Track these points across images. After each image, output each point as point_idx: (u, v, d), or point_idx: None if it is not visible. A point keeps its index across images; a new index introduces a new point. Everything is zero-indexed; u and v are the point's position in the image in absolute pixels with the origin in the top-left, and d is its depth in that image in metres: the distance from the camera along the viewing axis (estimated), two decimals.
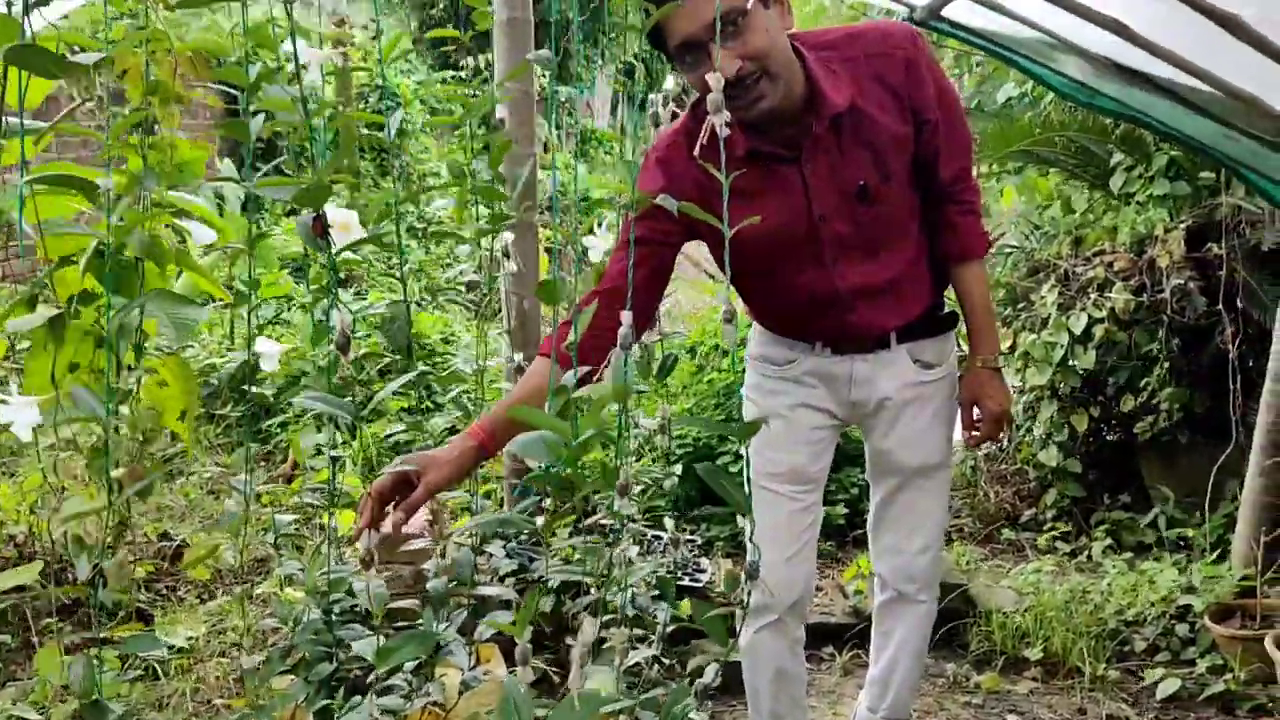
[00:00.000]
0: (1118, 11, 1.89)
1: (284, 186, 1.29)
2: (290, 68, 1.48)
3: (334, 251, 1.30)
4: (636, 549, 2.66)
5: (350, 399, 1.38)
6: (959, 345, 2.11)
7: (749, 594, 1.17)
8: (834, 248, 1.86)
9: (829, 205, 1.82)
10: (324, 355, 2.15)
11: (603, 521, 2.50)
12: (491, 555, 2.62)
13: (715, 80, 1.23)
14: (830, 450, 2.09)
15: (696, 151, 1.24)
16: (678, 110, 2.01)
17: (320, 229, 1.27)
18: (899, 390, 1.97)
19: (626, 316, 1.41)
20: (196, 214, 2.03)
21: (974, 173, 1.88)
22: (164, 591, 3.01)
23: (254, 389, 3.68)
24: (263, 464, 3.91)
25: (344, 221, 1.45)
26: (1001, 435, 2.07)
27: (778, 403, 2.03)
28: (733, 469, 3.63)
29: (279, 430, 4.08)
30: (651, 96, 1.79)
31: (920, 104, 1.78)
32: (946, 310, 2.03)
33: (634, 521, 2.03)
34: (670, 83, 2.12)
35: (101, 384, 2.05)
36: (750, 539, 1.30)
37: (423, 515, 2.85)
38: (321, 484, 3.71)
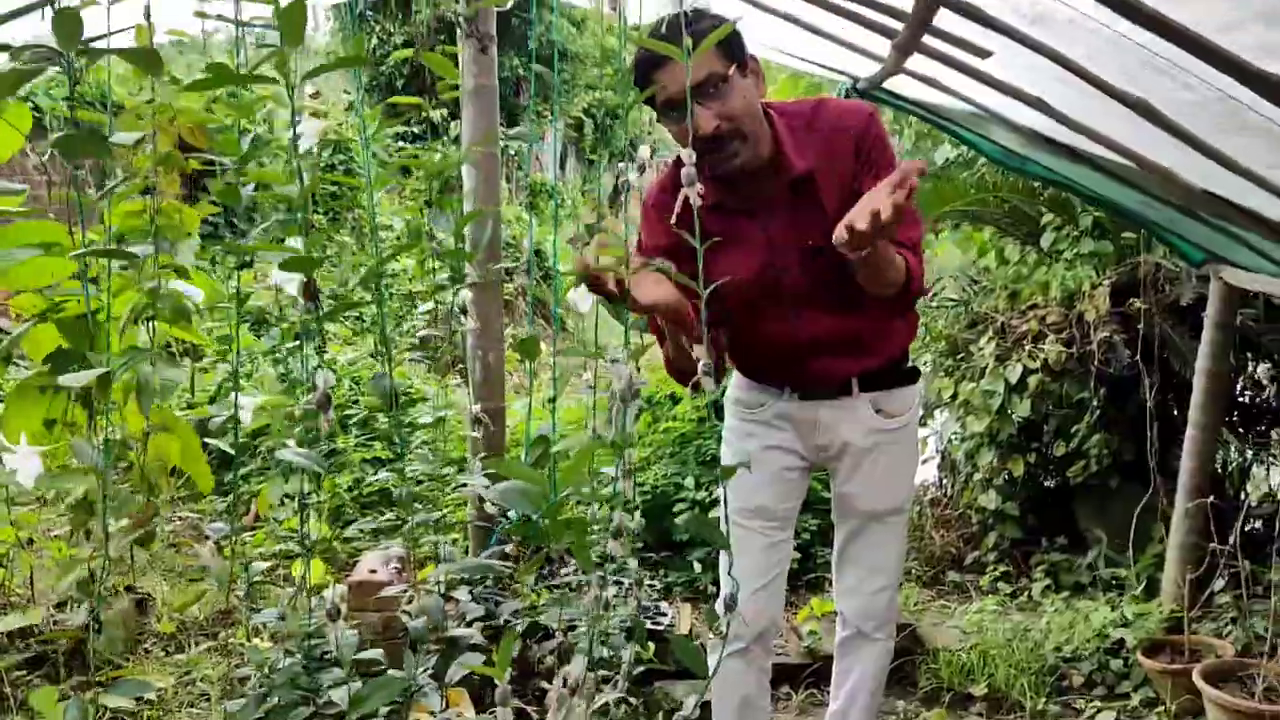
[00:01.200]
0: (1042, 91, 2.08)
1: (276, 253, 1.39)
2: (278, 134, 1.60)
3: (324, 315, 1.40)
4: (612, 591, 2.75)
5: (319, 452, 1.47)
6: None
7: (729, 624, 1.28)
8: (795, 300, 2.02)
9: (788, 259, 1.99)
10: (298, 408, 2.24)
11: (571, 572, 2.59)
12: (459, 601, 2.70)
13: (689, 155, 1.38)
14: (799, 491, 2.22)
15: (674, 218, 1.38)
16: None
17: (311, 294, 1.37)
18: (861, 436, 2.11)
19: (620, 370, 1.53)
20: (184, 273, 2.13)
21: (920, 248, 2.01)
22: (130, 644, 3.03)
23: (217, 442, 3.71)
24: (224, 516, 3.94)
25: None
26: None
27: (751, 444, 2.17)
28: (679, 522, 3.75)
29: (241, 482, 4.12)
30: (621, 165, 1.95)
31: (863, 178, 1.94)
32: (910, 364, 2.18)
33: (617, 566, 2.13)
34: (644, 151, 2.28)
35: (81, 437, 2.12)
36: (729, 572, 1.43)
37: (392, 562, 2.93)
38: (291, 531, 3.76)
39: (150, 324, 1.64)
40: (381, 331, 2.02)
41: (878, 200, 1.57)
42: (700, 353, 1.42)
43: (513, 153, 12.45)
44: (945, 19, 1.82)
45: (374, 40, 12.72)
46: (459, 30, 2.53)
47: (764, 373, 2.16)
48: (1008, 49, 1.91)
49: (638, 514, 3.69)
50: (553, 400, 1.51)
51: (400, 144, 11.74)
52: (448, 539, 3.84)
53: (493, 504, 2.48)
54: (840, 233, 1.60)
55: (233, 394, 1.85)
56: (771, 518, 2.17)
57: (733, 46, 1.82)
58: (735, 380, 2.24)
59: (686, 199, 1.39)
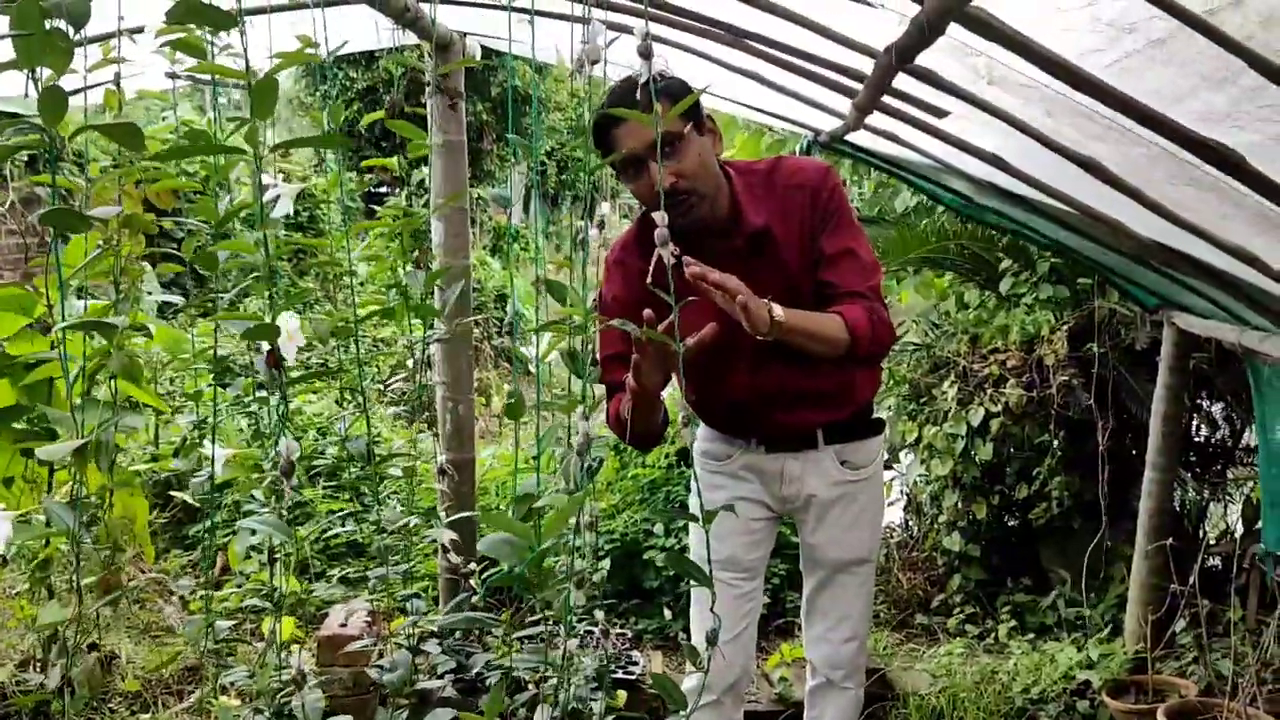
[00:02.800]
0: (998, 146, 2.15)
1: (238, 321, 1.41)
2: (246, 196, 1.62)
3: (287, 382, 1.41)
4: (577, 642, 2.75)
5: (285, 508, 1.47)
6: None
7: (709, 659, 1.29)
8: (756, 354, 2.04)
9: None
10: (264, 461, 2.24)
11: (538, 621, 2.60)
12: (429, 654, 2.69)
13: (661, 217, 1.41)
14: (768, 541, 2.24)
15: (649, 278, 1.42)
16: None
17: (274, 362, 1.38)
18: (826, 488, 2.14)
19: (582, 425, 1.56)
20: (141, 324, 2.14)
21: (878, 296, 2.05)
22: (94, 704, 2.98)
23: (182, 495, 3.68)
24: (190, 569, 3.89)
25: (288, 329, 1.56)
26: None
27: (719, 496, 2.19)
28: (659, 562, 3.75)
29: (205, 535, 4.07)
30: (581, 224, 1.98)
31: (820, 233, 1.99)
32: (874, 416, 2.22)
33: (583, 612, 2.14)
34: (605, 208, 2.32)
35: (39, 494, 2.10)
36: (711, 608, 1.44)
37: (362, 617, 2.90)
38: (260, 585, 3.72)
39: (111, 380, 1.65)
40: (361, 393, 2.03)
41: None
42: (680, 404, 1.45)
43: (476, 197, 12.48)
44: (904, 80, 1.88)
45: (335, 88, 12.74)
46: (427, 87, 2.57)
47: (729, 425, 2.19)
48: (966, 109, 1.98)
49: (605, 562, 3.71)
50: (537, 458, 1.52)
51: (368, 189, 11.76)
52: (417, 588, 3.82)
53: (458, 557, 2.47)
54: (735, 310, 1.72)
55: (199, 447, 1.85)
56: (740, 568, 2.19)
57: (690, 106, 1.88)
58: (702, 432, 2.26)
59: (659, 258, 1.42)
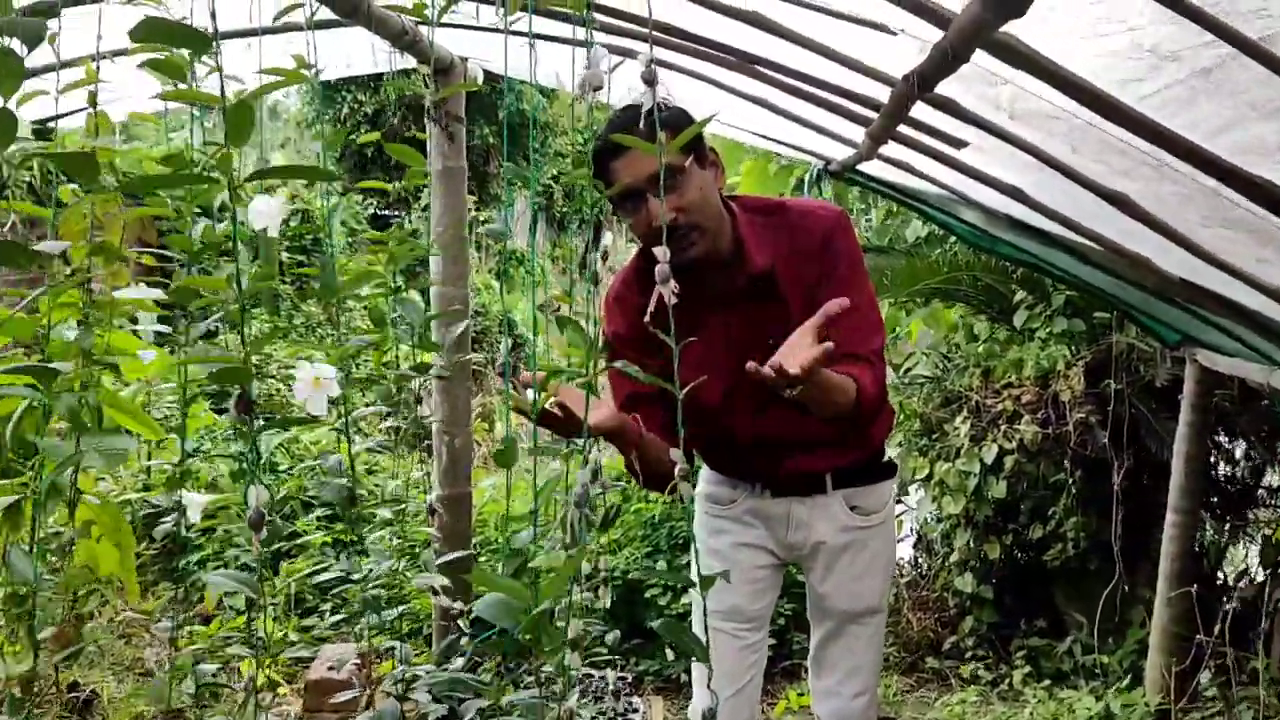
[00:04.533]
0: (1018, 177, 2.06)
1: (208, 363, 1.31)
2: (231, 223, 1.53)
3: (257, 430, 1.32)
4: (577, 694, 2.65)
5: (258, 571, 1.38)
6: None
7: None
8: (760, 397, 1.94)
9: (750, 356, 1.91)
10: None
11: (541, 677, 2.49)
12: (418, 702, 2.58)
13: (663, 253, 1.32)
14: (773, 590, 2.14)
15: (648, 316, 1.33)
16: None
17: (244, 407, 1.29)
18: (835, 534, 2.03)
19: (582, 474, 1.46)
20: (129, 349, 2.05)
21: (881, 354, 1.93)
22: None
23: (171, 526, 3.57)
24: (179, 604, 3.78)
25: (324, 376, 1.46)
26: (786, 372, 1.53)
27: (721, 541, 2.09)
28: (661, 601, 3.64)
29: (196, 568, 3.97)
30: (589, 256, 1.90)
31: (826, 283, 1.86)
32: (885, 459, 2.11)
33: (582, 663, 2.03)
34: (608, 238, 2.23)
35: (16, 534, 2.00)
36: (708, 684, 1.34)
37: (350, 662, 2.79)
38: (238, 630, 3.61)
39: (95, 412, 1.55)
40: (345, 431, 1.94)
41: (803, 345, 1.53)
42: (676, 456, 1.37)
43: (482, 220, 12.43)
44: (921, 109, 1.79)
45: (345, 110, 12.74)
46: (427, 114, 2.49)
47: (732, 468, 2.09)
48: (985, 139, 1.89)
49: (606, 600, 3.59)
50: (535, 512, 1.42)
51: (375, 212, 11.73)
52: (410, 627, 3.71)
53: (450, 600, 2.37)
54: (768, 373, 1.51)
55: (179, 485, 1.77)
56: (744, 619, 2.09)
57: (692, 138, 1.77)
58: (705, 474, 2.16)
59: (661, 296, 1.34)
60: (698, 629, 2.16)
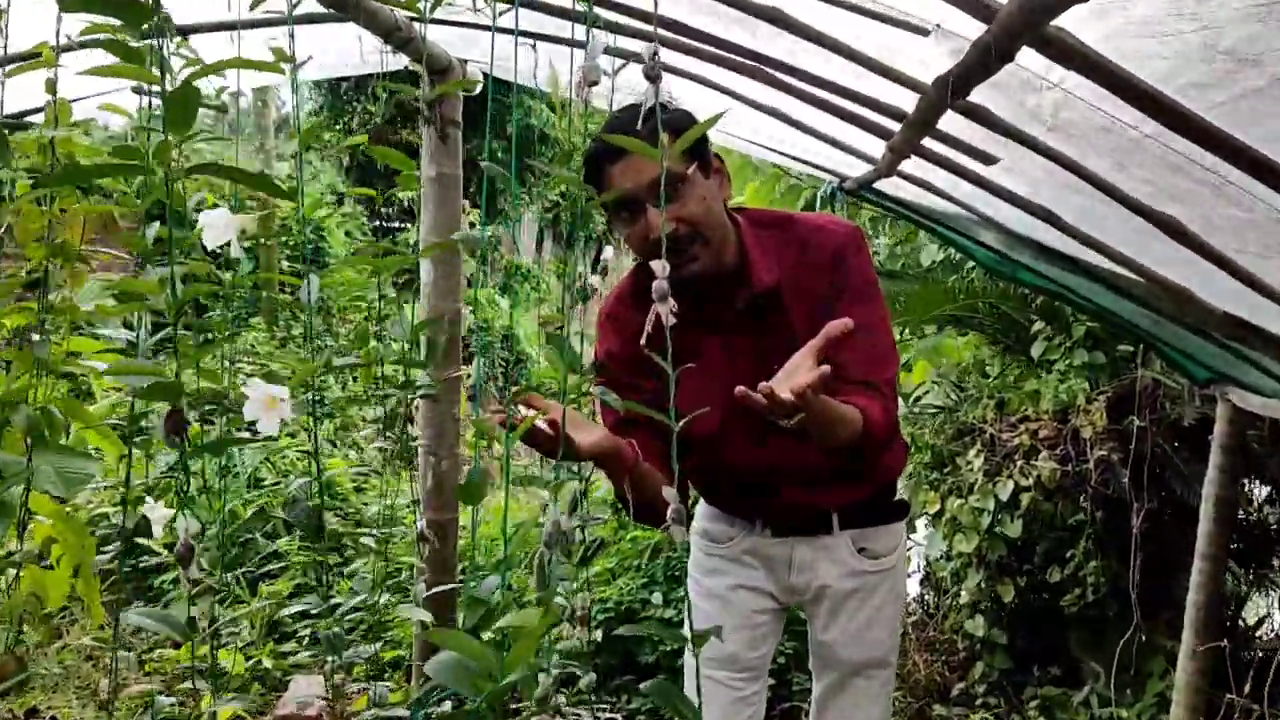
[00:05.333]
0: (1051, 200, 1.90)
1: (137, 375, 1.15)
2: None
3: (188, 451, 1.16)
4: None
5: (188, 618, 1.22)
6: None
7: None
8: (763, 426, 1.78)
9: (751, 383, 1.75)
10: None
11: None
12: None
13: (660, 267, 1.17)
14: (773, 636, 1.97)
15: (644, 338, 1.18)
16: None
17: (175, 427, 1.13)
18: (840, 579, 1.87)
19: (552, 510, 1.31)
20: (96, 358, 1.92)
21: (893, 384, 1.75)
22: None
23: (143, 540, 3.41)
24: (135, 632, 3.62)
25: (273, 395, 1.31)
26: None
27: (717, 583, 1.93)
28: (657, 636, 3.47)
29: (171, 586, 3.81)
30: (583, 269, 1.74)
31: (836, 304, 1.68)
32: (897, 498, 1.95)
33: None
34: (609, 252, 2.08)
35: None
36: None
37: (319, 699, 2.63)
38: (199, 662, 3.45)
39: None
40: (314, 456, 1.79)
41: (801, 369, 1.37)
42: (670, 495, 1.21)
43: (488, 234, 12.30)
44: (949, 121, 1.64)
45: (354, 119, 12.65)
46: (421, 116, 2.34)
47: (731, 503, 1.93)
48: (1017, 155, 1.73)
49: (597, 633, 3.42)
50: (504, 562, 1.27)
51: (377, 224, 11.62)
52: (393, 658, 3.54)
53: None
54: (758, 399, 1.34)
55: (139, 504, 1.63)
56: (741, 667, 1.92)
57: (696, 143, 1.60)
58: (701, 509, 2.00)
59: (658, 316, 1.18)
60: (690, 682, 2.00)
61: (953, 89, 1.27)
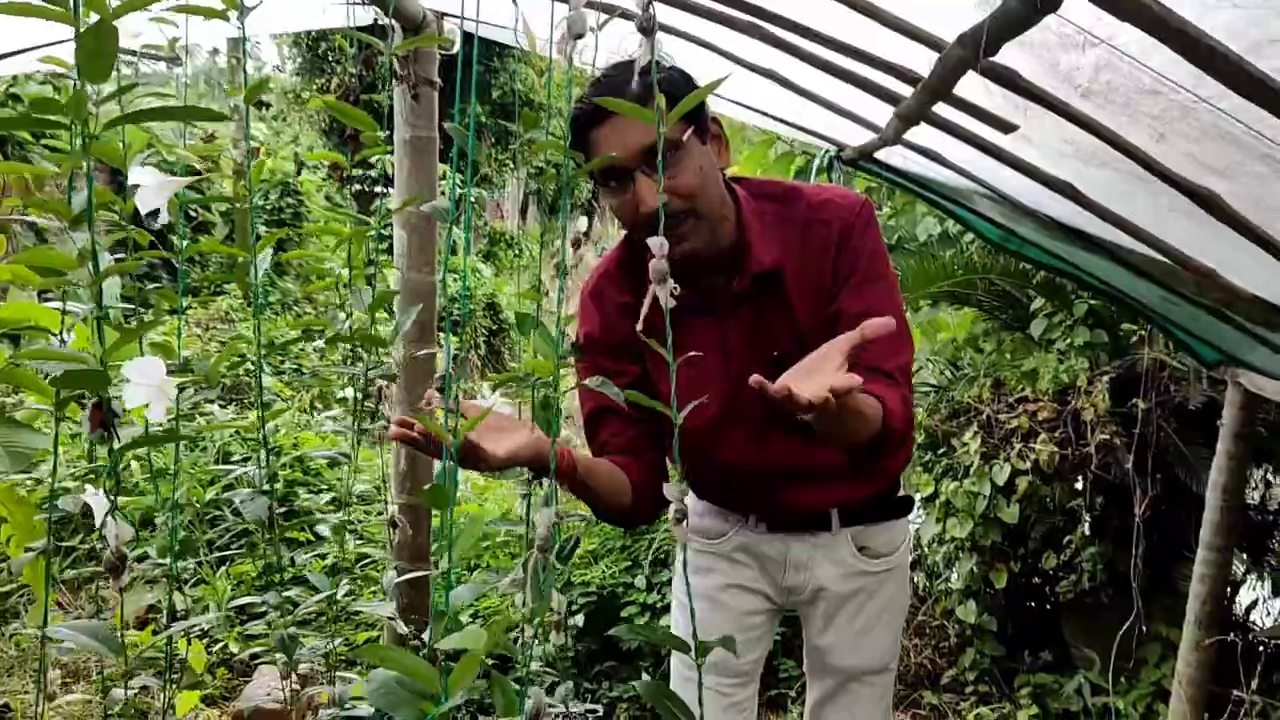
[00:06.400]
0: (1072, 174, 1.76)
1: (56, 362, 1.01)
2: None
3: (121, 448, 1.02)
4: None
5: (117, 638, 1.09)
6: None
7: None
8: (760, 418, 1.64)
9: (749, 369, 1.60)
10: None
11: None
12: None
13: (659, 245, 1.04)
14: (766, 639, 1.85)
15: (640, 323, 1.04)
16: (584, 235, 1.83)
17: (100, 419, 0.99)
18: (839, 580, 1.74)
19: (546, 513, 1.18)
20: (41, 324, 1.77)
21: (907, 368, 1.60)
22: None
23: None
24: (113, 606, 3.47)
25: (154, 380, 1.15)
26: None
27: (708, 582, 1.80)
28: (639, 620, 3.35)
29: (136, 564, 3.66)
30: (562, 244, 1.60)
31: (843, 285, 1.56)
32: (901, 494, 1.81)
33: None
34: (583, 223, 1.93)
35: None
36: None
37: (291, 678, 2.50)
38: (158, 651, 3.31)
39: None
40: (263, 443, 1.64)
41: (825, 368, 1.19)
42: (671, 492, 1.09)
43: (472, 199, 12.10)
44: (965, 85, 1.49)
45: (334, 82, 12.38)
46: (391, 74, 2.17)
47: (724, 498, 1.79)
48: (1036, 125, 1.59)
49: (579, 617, 3.30)
50: (446, 573, 1.13)
51: (357, 188, 11.38)
52: (367, 638, 3.41)
53: (405, 627, 2.09)
54: (775, 396, 1.16)
55: (80, 490, 1.49)
56: (732, 673, 1.80)
57: (694, 110, 1.44)
58: (691, 502, 1.85)
59: (655, 299, 1.05)
60: (677, 683, 1.87)
61: (986, 44, 1.12)
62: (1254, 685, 2.58)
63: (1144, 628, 3.15)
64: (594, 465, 1.52)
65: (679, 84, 1.44)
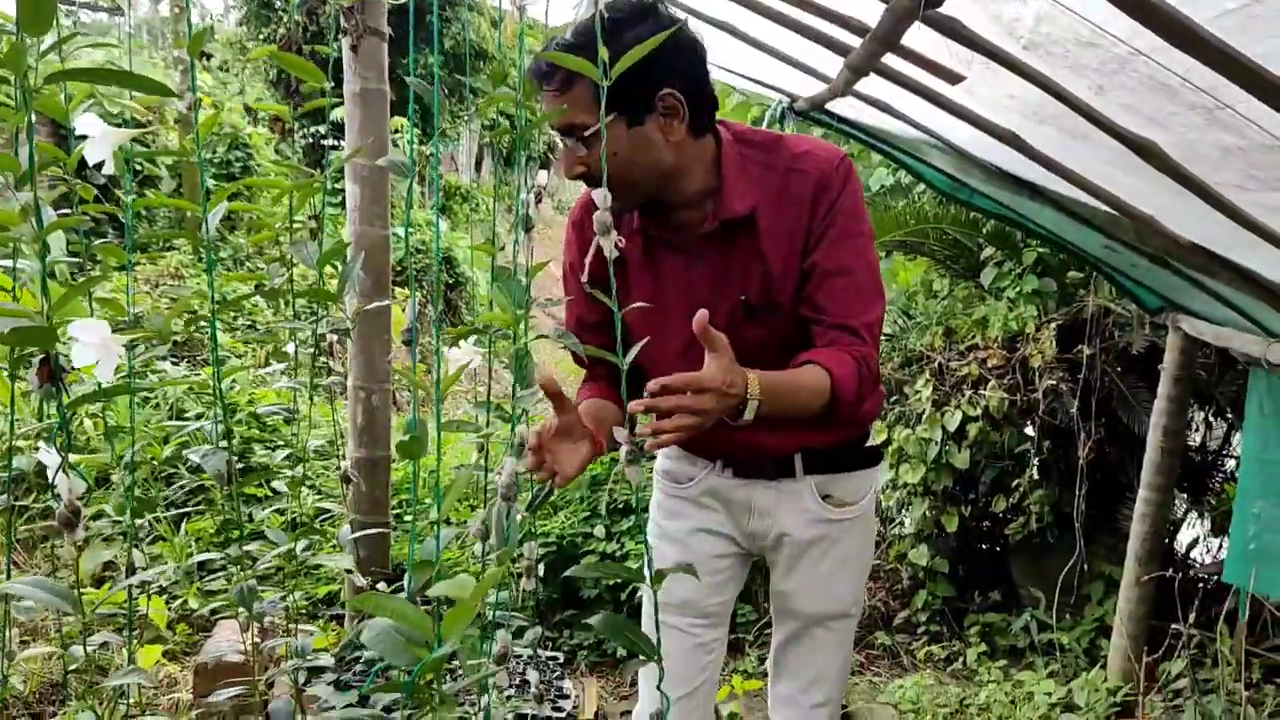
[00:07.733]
0: (1016, 125, 1.79)
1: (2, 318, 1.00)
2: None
3: (69, 404, 1.02)
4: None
5: (75, 594, 1.09)
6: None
7: None
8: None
9: (717, 311, 1.62)
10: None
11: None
12: (318, 697, 2.33)
13: (602, 197, 1.07)
14: (735, 582, 1.89)
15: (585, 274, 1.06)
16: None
17: (48, 375, 1.00)
18: (801, 526, 1.77)
19: (509, 464, 1.21)
20: None
21: (875, 329, 1.65)
22: None
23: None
24: (70, 565, 3.46)
25: (100, 340, 1.15)
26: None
27: (677, 526, 1.84)
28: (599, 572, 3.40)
29: (92, 522, 3.64)
30: (524, 196, 1.61)
31: (818, 239, 1.58)
32: (870, 444, 1.84)
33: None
34: (542, 176, 1.94)
35: None
36: (659, 685, 1.11)
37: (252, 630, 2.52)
38: (118, 607, 3.31)
39: None
40: (219, 399, 1.64)
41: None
42: (621, 434, 1.12)
43: (428, 153, 11.95)
44: (913, 36, 1.51)
45: (281, 30, 12.10)
46: (337, 25, 2.14)
47: (691, 442, 1.82)
48: (981, 77, 1.61)
49: (540, 567, 3.34)
50: (438, 523, 1.15)
51: (312, 139, 11.19)
52: (328, 593, 3.43)
53: (364, 579, 2.11)
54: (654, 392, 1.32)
55: (33, 449, 1.48)
56: (699, 614, 1.83)
57: (644, 75, 1.43)
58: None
59: (599, 248, 1.08)
60: (647, 625, 1.91)
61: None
62: (1191, 619, 2.68)
63: (1087, 566, 3.25)
64: (606, 423, 1.54)
65: (630, 43, 1.43)
